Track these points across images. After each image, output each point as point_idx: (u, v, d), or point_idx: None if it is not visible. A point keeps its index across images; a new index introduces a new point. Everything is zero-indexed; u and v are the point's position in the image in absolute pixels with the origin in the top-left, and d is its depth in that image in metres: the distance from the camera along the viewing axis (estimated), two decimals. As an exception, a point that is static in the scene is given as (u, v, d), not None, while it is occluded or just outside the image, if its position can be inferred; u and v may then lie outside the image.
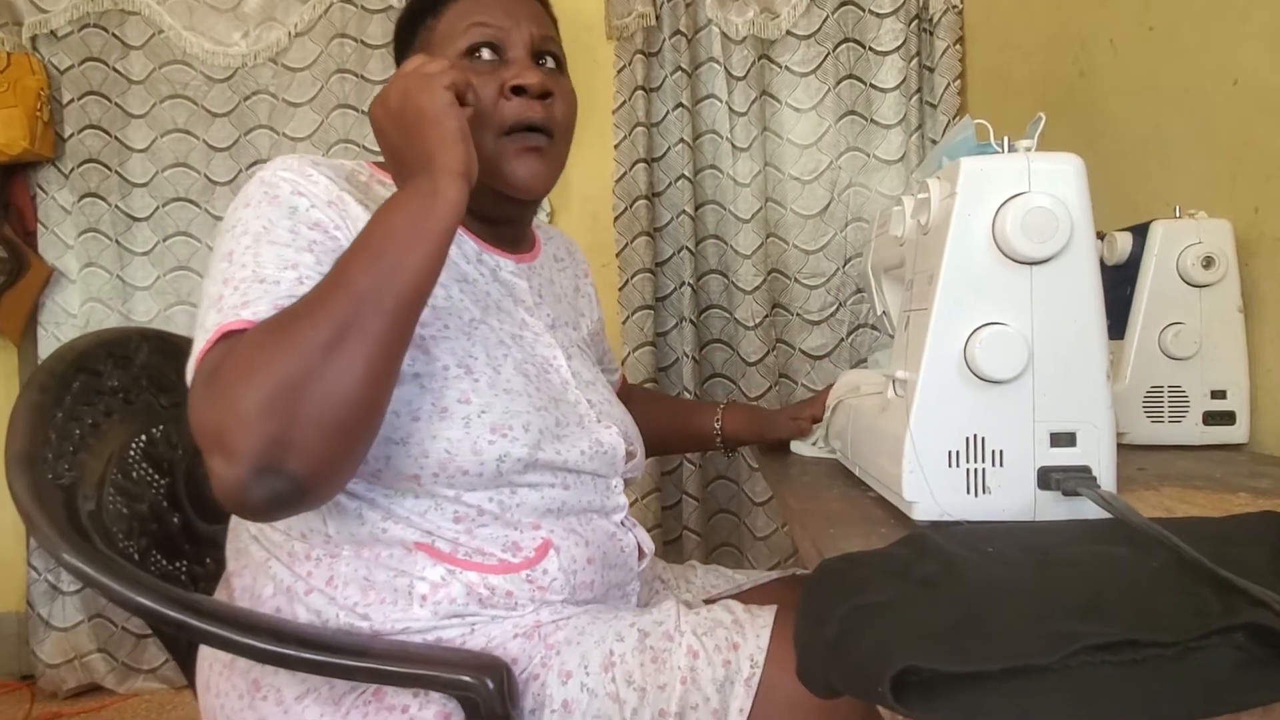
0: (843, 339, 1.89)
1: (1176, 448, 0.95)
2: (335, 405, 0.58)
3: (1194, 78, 1.08)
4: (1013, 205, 0.59)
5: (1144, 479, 0.77)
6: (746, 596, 0.97)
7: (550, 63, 0.82)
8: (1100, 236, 0.98)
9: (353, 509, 0.71)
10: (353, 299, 0.59)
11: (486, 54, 0.78)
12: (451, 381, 0.71)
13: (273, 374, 0.57)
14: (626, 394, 1.15)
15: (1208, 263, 0.95)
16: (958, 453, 0.61)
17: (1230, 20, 1.01)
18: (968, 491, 0.61)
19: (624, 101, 1.95)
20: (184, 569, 0.85)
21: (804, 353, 1.89)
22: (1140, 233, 0.99)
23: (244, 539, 0.77)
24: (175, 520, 0.86)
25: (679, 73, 1.93)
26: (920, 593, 0.44)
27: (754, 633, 0.69)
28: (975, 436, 0.60)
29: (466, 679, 0.63)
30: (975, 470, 0.60)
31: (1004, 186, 0.60)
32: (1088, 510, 0.59)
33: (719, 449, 1.13)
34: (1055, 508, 0.60)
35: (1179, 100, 1.12)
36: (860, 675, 0.36)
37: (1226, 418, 0.95)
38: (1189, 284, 0.96)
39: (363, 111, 1.99)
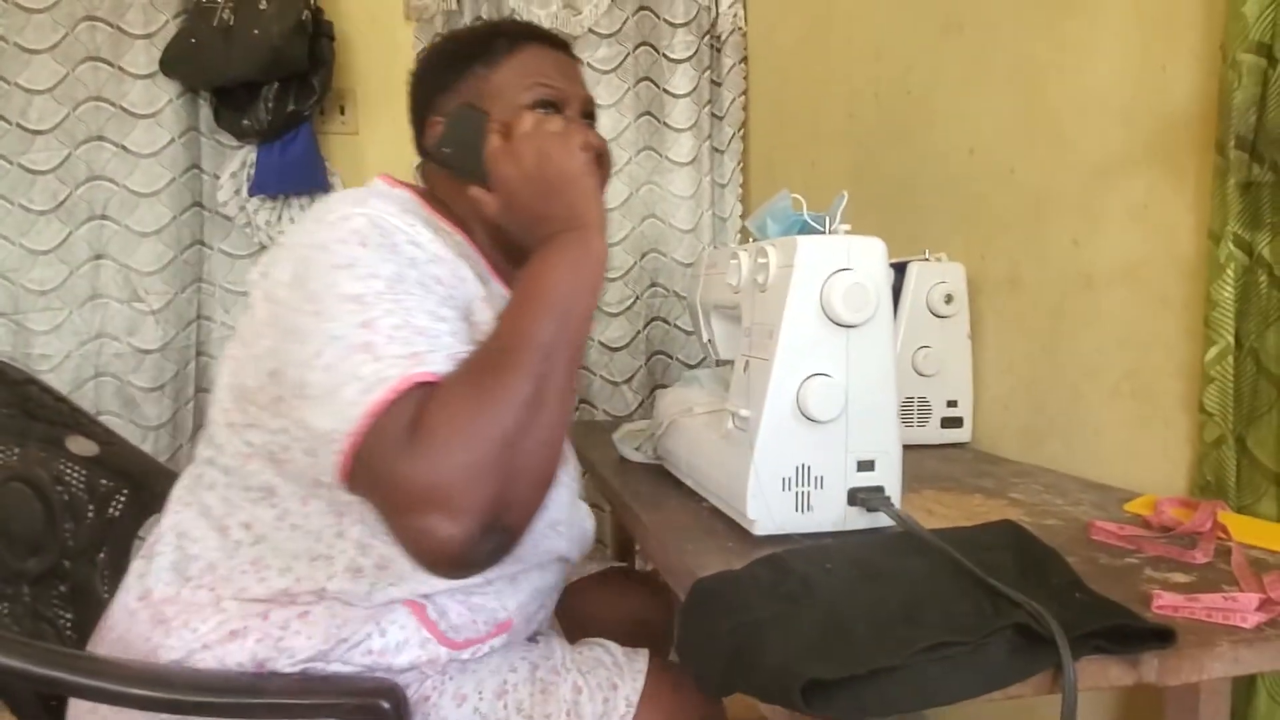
0: (639, 331, 2.02)
1: (922, 447, 1.19)
2: (542, 458, 0.61)
3: (940, 142, 1.32)
4: (837, 279, 0.74)
5: (906, 481, 0.97)
6: (578, 587, 1.07)
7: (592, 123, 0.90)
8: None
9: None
10: (542, 354, 0.62)
11: (544, 111, 0.82)
12: None
13: (490, 430, 0.58)
14: None
15: (948, 299, 1.19)
16: (790, 479, 0.75)
17: (971, 98, 1.25)
18: (796, 509, 0.75)
19: (425, 85, 1.91)
20: (6, 610, 0.78)
21: (602, 344, 2.00)
22: (900, 270, 1.21)
23: (190, 569, 0.72)
24: (-13, 562, 0.79)
25: (481, 60, 1.93)
26: (788, 608, 0.57)
27: (631, 676, 0.79)
28: (803, 465, 0.75)
29: (363, 704, 0.67)
30: (802, 493, 0.75)
31: (831, 262, 0.74)
32: (883, 519, 0.76)
33: None
34: (860, 519, 0.76)
35: (928, 158, 1.36)
36: (771, 685, 0.48)
37: (957, 423, 1.21)
38: (934, 315, 1.19)
39: (120, 67, 1.78)
